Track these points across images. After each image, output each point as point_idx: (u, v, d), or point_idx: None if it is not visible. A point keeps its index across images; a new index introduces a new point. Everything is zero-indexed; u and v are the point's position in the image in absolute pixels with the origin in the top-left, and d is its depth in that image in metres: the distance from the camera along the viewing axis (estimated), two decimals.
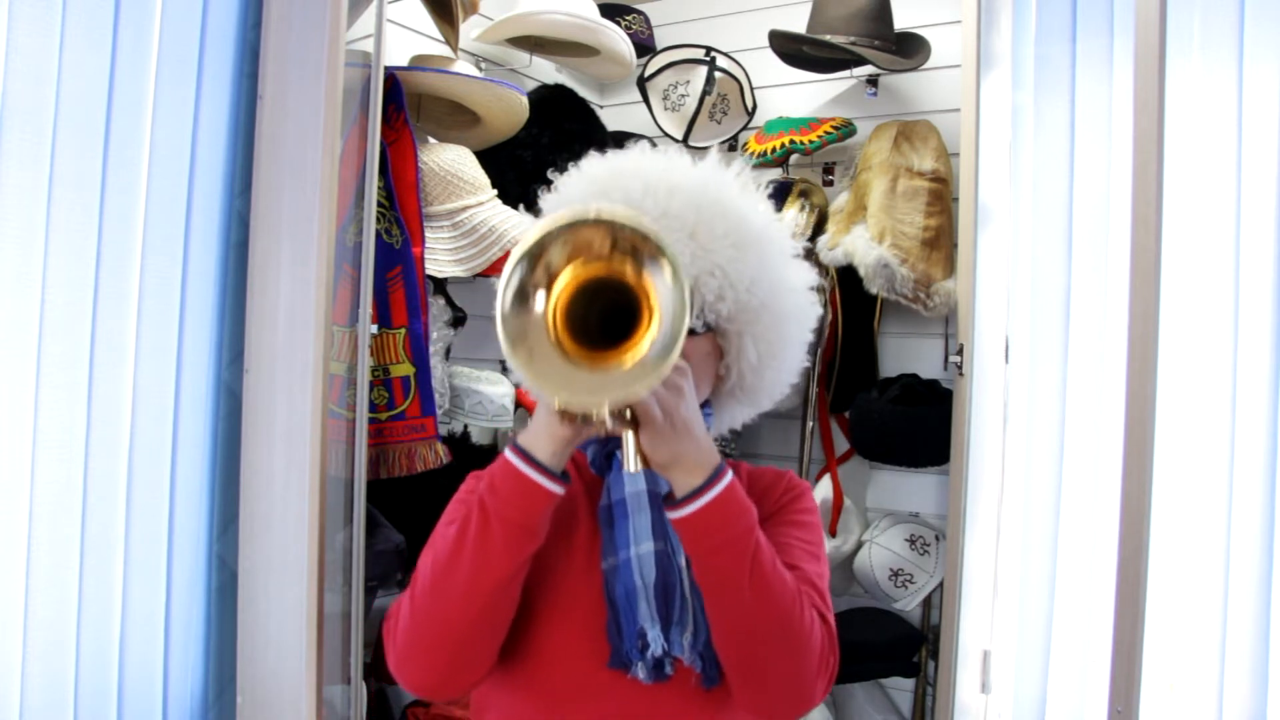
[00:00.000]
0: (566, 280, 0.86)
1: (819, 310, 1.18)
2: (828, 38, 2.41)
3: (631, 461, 0.95)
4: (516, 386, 2.42)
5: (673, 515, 0.98)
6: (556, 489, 0.98)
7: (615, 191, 1.07)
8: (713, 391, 1.16)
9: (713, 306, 1.07)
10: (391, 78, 2.04)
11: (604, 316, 0.88)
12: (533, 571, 1.07)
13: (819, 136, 2.49)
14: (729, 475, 0.99)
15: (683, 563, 1.05)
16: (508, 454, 0.99)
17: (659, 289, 0.85)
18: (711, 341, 1.11)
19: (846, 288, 2.45)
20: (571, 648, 1.07)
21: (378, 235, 1.97)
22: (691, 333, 1.07)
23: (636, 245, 0.85)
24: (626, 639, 1.04)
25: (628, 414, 0.94)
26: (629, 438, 0.95)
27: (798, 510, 1.16)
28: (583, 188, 1.12)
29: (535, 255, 0.85)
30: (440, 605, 1.00)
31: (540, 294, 0.85)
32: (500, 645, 1.05)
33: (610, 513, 1.08)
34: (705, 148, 2.67)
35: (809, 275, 1.16)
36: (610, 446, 1.12)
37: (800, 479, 1.21)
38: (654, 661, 1.04)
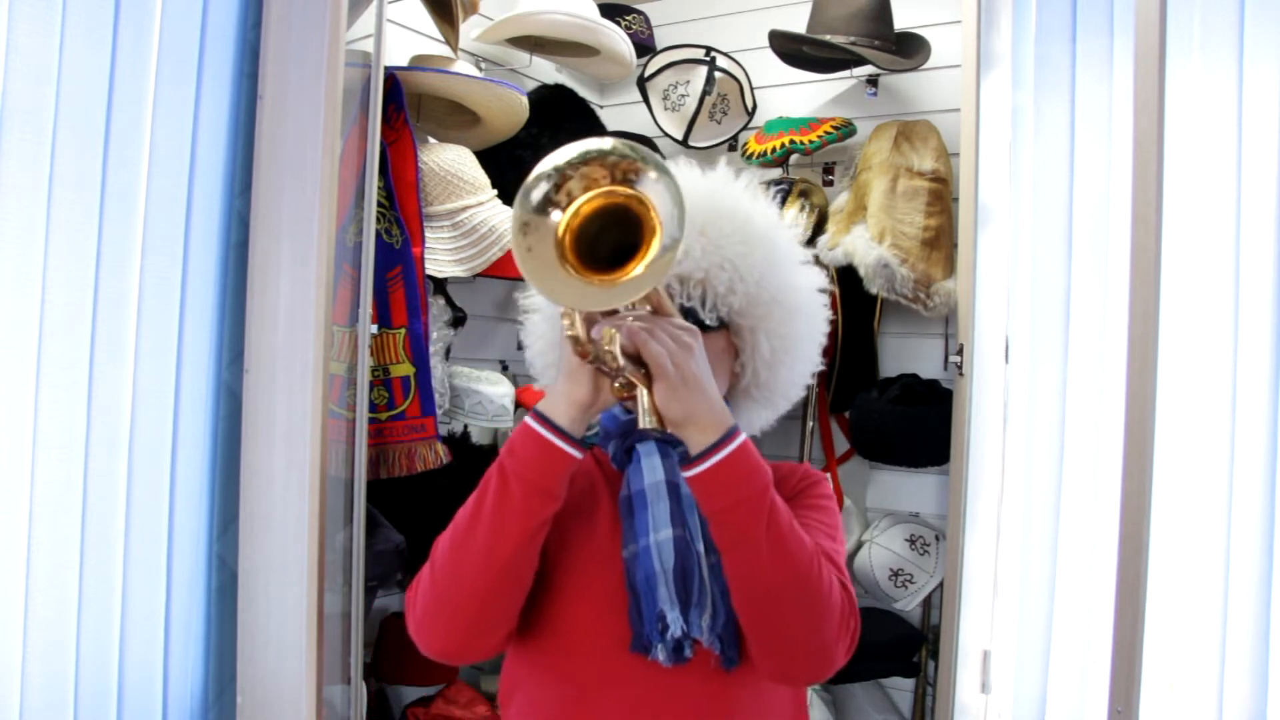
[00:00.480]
0: (579, 206, 0.90)
1: (828, 313, 1.21)
2: (828, 38, 2.41)
3: (645, 419, 0.98)
4: (516, 386, 2.42)
5: (688, 473, 1.00)
6: (574, 453, 1.01)
7: None
8: (730, 390, 1.18)
9: (724, 299, 1.11)
10: (391, 78, 2.04)
11: (613, 248, 0.91)
12: (556, 560, 1.11)
13: (819, 136, 2.49)
14: (743, 436, 1.01)
15: (701, 548, 1.07)
16: (528, 419, 1.02)
17: (654, 198, 0.89)
18: (725, 338, 1.14)
19: (846, 288, 2.45)
20: (595, 634, 1.09)
21: (378, 235, 1.97)
22: (706, 328, 1.11)
23: (627, 170, 0.90)
24: (647, 622, 1.06)
25: (641, 370, 0.97)
26: (643, 395, 0.98)
27: (815, 495, 1.19)
28: None
29: (559, 178, 0.89)
30: (460, 568, 1.03)
31: (556, 212, 0.89)
32: (517, 612, 1.07)
33: (630, 503, 1.11)
34: (711, 147, 2.69)
35: (818, 278, 1.20)
36: (630, 441, 1.14)
37: (816, 470, 1.24)
38: (674, 643, 1.06)
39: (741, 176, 1.19)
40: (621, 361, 0.96)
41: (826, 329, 1.22)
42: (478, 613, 1.05)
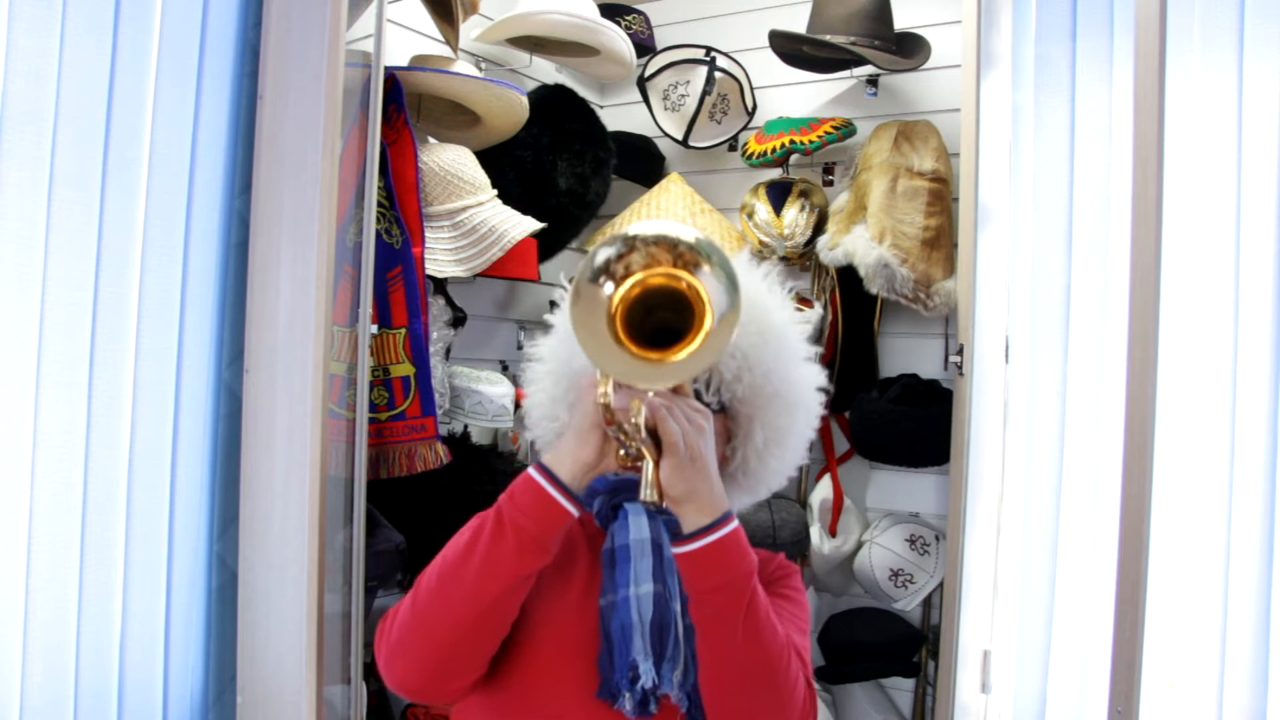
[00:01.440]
0: (635, 282, 0.92)
1: (821, 412, 1.23)
2: (828, 38, 2.41)
3: (647, 491, 1.01)
4: (516, 386, 2.42)
5: (679, 550, 1.03)
6: (573, 510, 1.04)
7: None
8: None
9: (729, 386, 1.14)
10: (391, 78, 2.04)
11: (658, 327, 0.94)
12: (530, 606, 1.12)
13: (819, 136, 2.49)
14: (735, 521, 1.04)
15: (678, 608, 1.10)
16: (531, 470, 1.05)
17: (709, 288, 0.92)
18: (722, 422, 1.16)
19: (846, 288, 2.45)
20: (560, 676, 1.11)
21: (378, 235, 1.97)
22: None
23: (689, 262, 0.92)
24: (618, 670, 1.08)
25: (653, 442, 1.00)
26: (648, 467, 1.01)
27: (788, 587, 1.22)
28: None
29: (625, 246, 0.92)
30: (443, 604, 1.04)
31: (609, 284, 0.92)
32: (486, 662, 1.09)
33: (614, 555, 1.14)
34: (711, 147, 2.68)
35: (819, 376, 1.22)
36: (618, 499, 1.18)
37: (790, 562, 1.27)
38: (641, 694, 1.07)
39: (761, 266, 1.22)
40: (643, 434, 0.99)
41: (818, 425, 1.23)
42: (452, 652, 1.06)
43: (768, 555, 1.25)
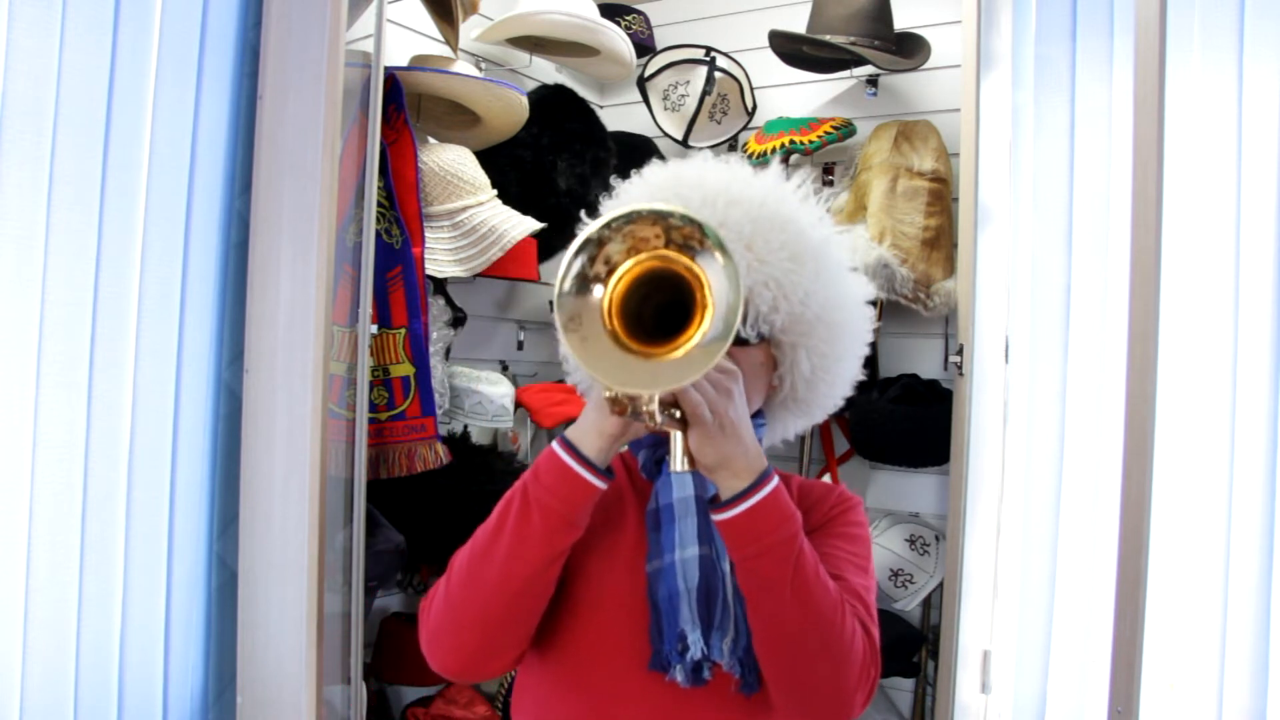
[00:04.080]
0: (623, 273, 0.87)
1: (872, 323, 1.18)
2: (828, 38, 2.41)
3: (679, 461, 0.97)
4: (516, 386, 2.42)
5: (717, 518, 0.99)
6: (599, 484, 1.00)
7: (674, 200, 1.06)
8: (765, 402, 1.16)
9: (766, 318, 1.07)
10: (391, 78, 2.04)
11: (659, 311, 0.89)
12: (578, 569, 1.09)
13: (819, 136, 2.49)
14: (774, 480, 0.99)
15: (727, 568, 1.05)
16: (555, 446, 1.01)
17: (713, 280, 0.86)
18: (765, 352, 1.12)
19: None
20: (612, 647, 1.08)
21: (378, 235, 1.97)
22: (745, 343, 1.09)
23: (689, 237, 0.86)
24: (667, 641, 1.05)
25: (677, 413, 0.95)
26: (677, 437, 0.96)
27: (848, 523, 1.17)
28: (642, 194, 1.12)
29: (596, 244, 0.86)
30: (474, 588, 1.02)
31: (598, 285, 0.87)
32: (530, 635, 1.06)
33: (658, 516, 1.09)
34: (711, 147, 2.68)
35: (865, 289, 1.17)
36: (661, 452, 1.12)
37: (852, 494, 1.21)
38: (693, 665, 1.04)
39: (794, 178, 1.14)
40: (659, 419, 0.94)
41: (869, 339, 1.18)
42: (489, 634, 1.03)
43: (826, 489, 1.20)
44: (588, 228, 0.86)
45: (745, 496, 0.97)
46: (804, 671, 1.00)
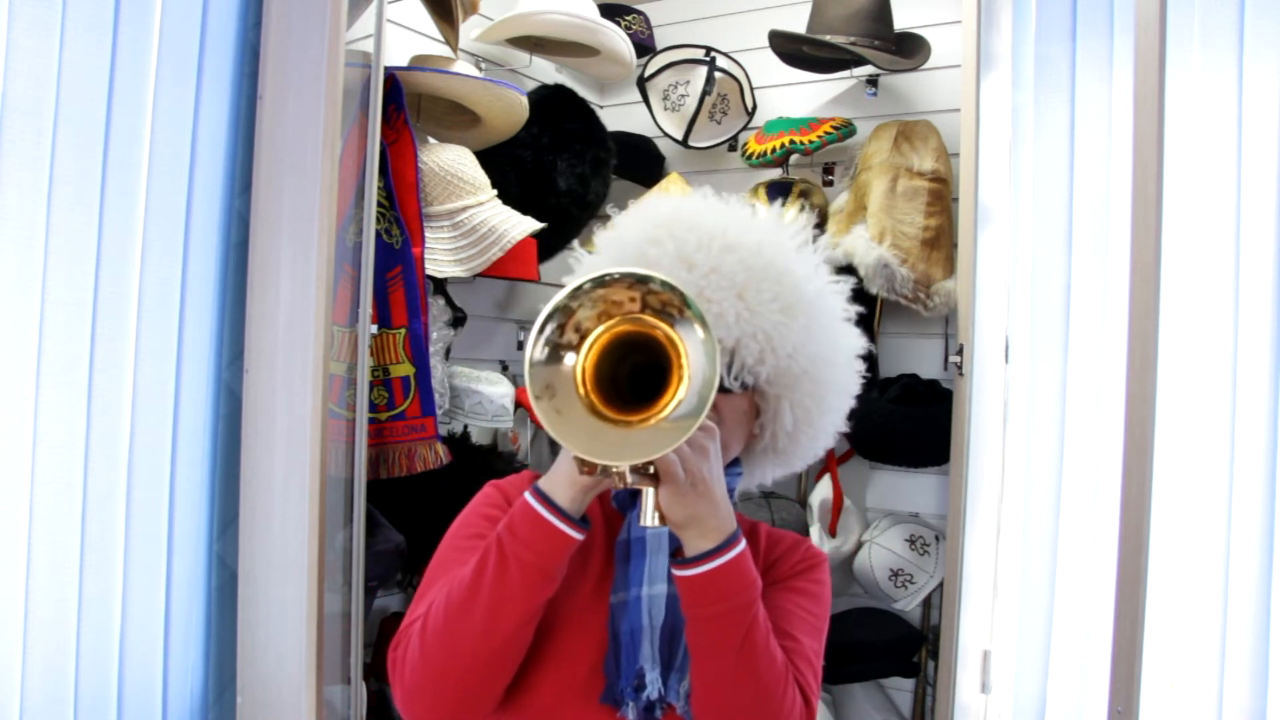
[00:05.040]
0: (596, 338, 0.86)
1: (861, 379, 1.17)
2: (828, 38, 2.41)
3: (648, 516, 0.96)
4: (516, 386, 2.42)
5: (678, 574, 0.98)
6: (576, 535, 0.98)
7: (668, 241, 1.05)
8: (745, 449, 1.15)
9: (752, 369, 1.05)
10: (391, 78, 2.04)
11: (634, 375, 0.89)
12: None
13: (819, 136, 2.49)
14: (741, 544, 0.98)
15: None
16: (528, 497, 0.99)
17: (689, 348, 0.85)
18: (749, 400, 1.10)
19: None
20: (566, 675, 1.06)
21: (378, 235, 1.97)
22: (728, 391, 1.06)
23: (666, 303, 0.85)
24: (624, 676, 1.04)
25: (650, 469, 0.94)
26: (648, 493, 0.95)
27: (810, 580, 1.15)
28: (638, 231, 1.09)
29: (566, 311, 0.85)
30: (453, 645, 1.00)
31: (570, 353, 0.86)
32: (505, 687, 1.04)
33: (628, 548, 1.08)
34: (711, 147, 2.68)
35: (858, 343, 1.15)
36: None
37: (819, 550, 1.20)
38: (646, 704, 1.03)
39: (792, 225, 1.12)
40: (630, 479, 0.92)
41: (857, 391, 1.16)
42: (468, 689, 1.01)
43: (794, 541, 1.18)
44: (556, 295, 0.84)
45: (710, 558, 0.96)
46: None
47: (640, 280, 0.85)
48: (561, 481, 0.98)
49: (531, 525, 0.98)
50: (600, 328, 0.86)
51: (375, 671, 2.21)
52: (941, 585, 2.34)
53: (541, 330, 0.85)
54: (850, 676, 2.42)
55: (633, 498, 1.11)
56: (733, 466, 1.13)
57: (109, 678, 1.66)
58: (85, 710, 1.62)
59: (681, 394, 0.85)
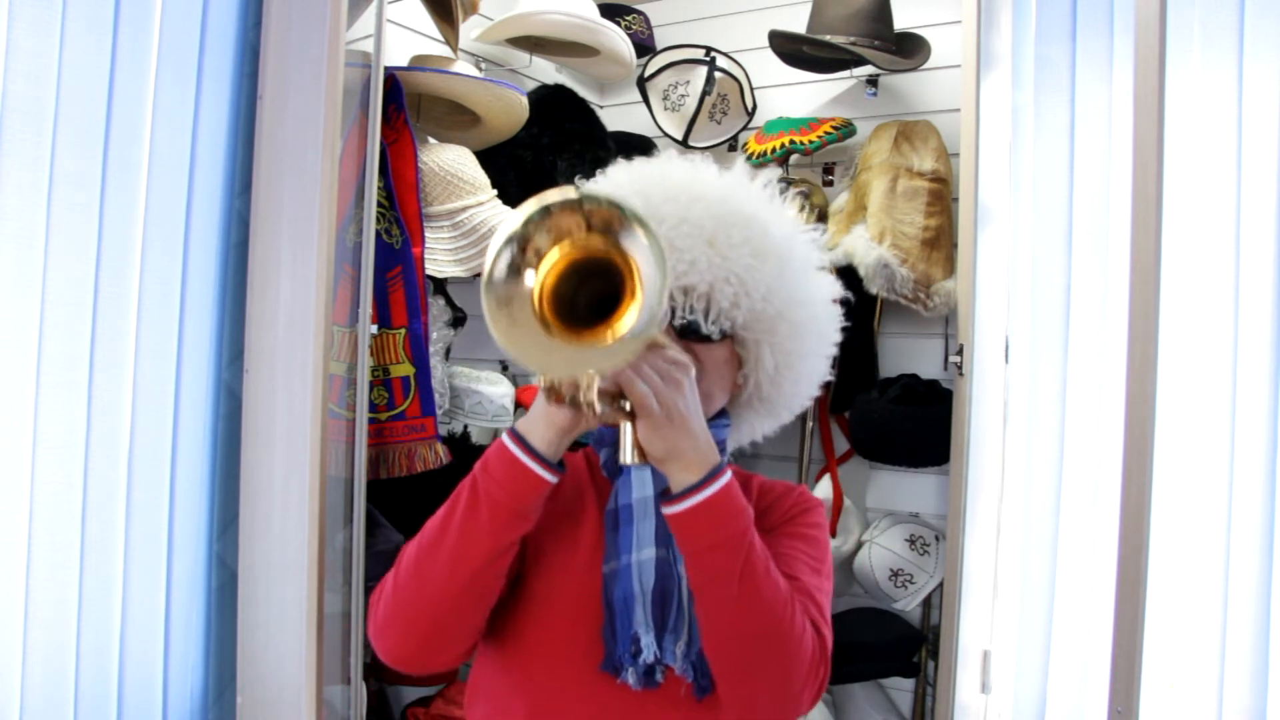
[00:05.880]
0: (554, 263, 0.86)
1: (840, 323, 1.18)
2: (828, 38, 2.41)
3: (628, 453, 0.96)
4: (516, 386, 2.42)
5: (667, 511, 0.98)
6: (549, 477, 0.99)
7: (635, 198, 1.05)
8: (731, 401, 1.16)
9: (728, 314, 1.07)
10: (391, 78, 2.04)
11: (592, 302, 0.88)
12: (535, 568, 1.09)
13: (819, 136, 2.49)
14: (727, 475, 0.98)
15: (683, 571, 1.05)
16: (504, 438, 1.00)
17: (640, 263, 0.85)
18: (729, 349, 1.11)
19: (846, 288, 2.45)
20: (565, 647, 1.07)
21: (378, 235, 1.97)
22: (708, 339, 1.08)
23: (609, 220, 0.85)
24: (620, 643, 1.04)
25: (626, 405, 0.94)
26: (626, 429, 0.96)
27: (805, 524, 1.15)
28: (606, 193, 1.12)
29: (522, 239, 0.85)
30: (422, 579, 1.01)
31: (529, 270, 0.85)
32: (479, 628, 1.05)
33: (616, 516, 1.09)
34: (711, 147, 2.68)
35: (832, 288, 1.16)
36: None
37: (812, 495, 1.20)
38: (645, 668, 1.04)
39: (759, 178, 1.15)
40: (599, 409, 0.93)
41: (837, 339, 1.17)
42: (436, 625, 1.02)
43: (786, 489, 1.19)
44: (507, 223, 0.84)
45: (696, 490, 0.96)
46: (751, 667, 1.00)
47: (579, 202, 0.85)
48: (538, 423, 0.99)
49: (505, 465, 0.98)
50: (555, 250, 0.85)
51: (375, 671, 2.21)
52: (941, 585, 2.34)
53: (499, 254, 0.84)
54: (850, 676, 2.42)
55: (619, 464, 1.11)
56: (719, 418, 1.13)
57: (109, 678, 1.66)
58: (85, 710, 1.62)
59: (637, 304, 0.85)
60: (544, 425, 0.98)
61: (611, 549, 1.08)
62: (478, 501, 0.99)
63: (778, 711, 1.02)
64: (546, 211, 0.84)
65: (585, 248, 0.86)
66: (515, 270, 0.85)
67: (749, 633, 0.98)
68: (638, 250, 0.85)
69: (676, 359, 0.97)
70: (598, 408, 0.93)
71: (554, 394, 0.93)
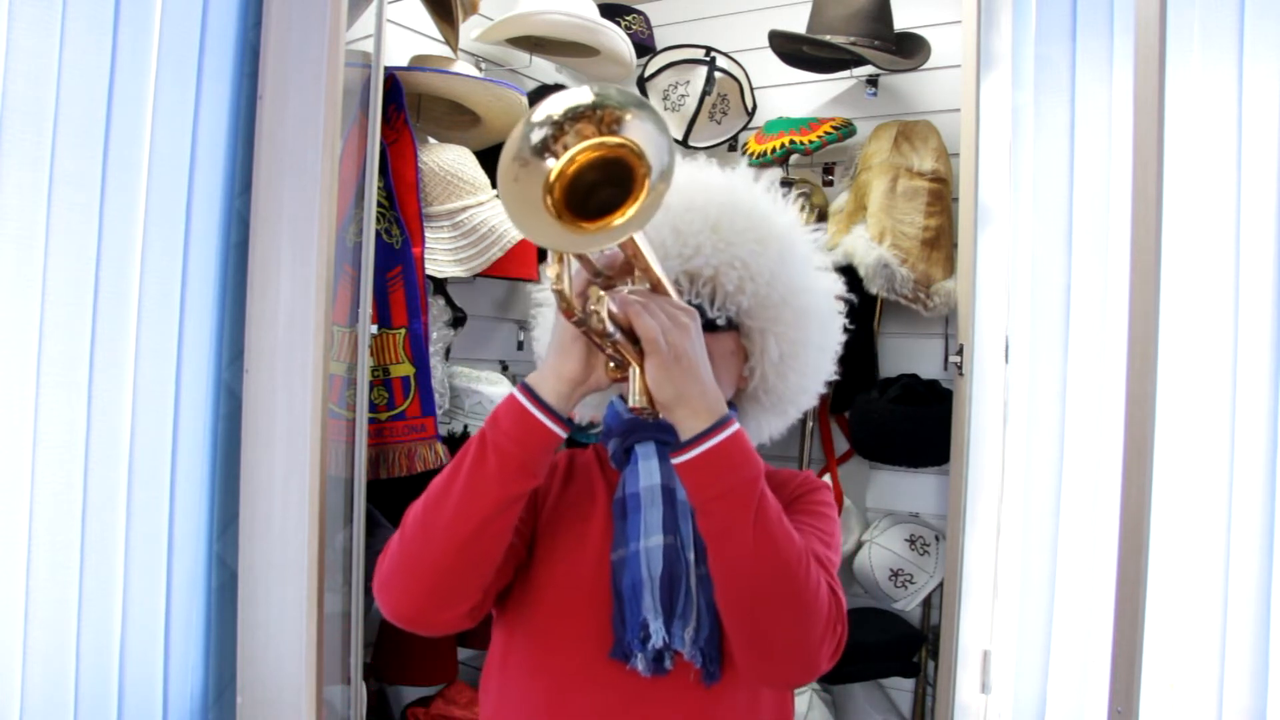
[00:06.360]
0: (574, 155, 0.86)
1: (842, 319, 1.19)
2: (828, 38, 2.41)
3: (635, 397, 0.96)
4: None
5: (676, 460, 0.97)
6: (557, 430, 0.99)
7: None
8: (737, 394, 1.17)
9: (733, 298, 1.10)
10: (391, 78, 2.04)
11: (602, 205, 0.88)
12: (546, 556, 1.10)
13: (819, 136, 2.49)
14: (735, 426, 0.98)
15: (691, 557, 1.06)
16: (515, 391, 1.00)
17: (649, 149, 0.85)
18: (734, 340, 1.13)
19: (846, 288, 2.45)
20: (575, 634, 1.09)
21: (378, 235, 1.97)
22: (715, 328, 1.10)
23: (617, 118, 0.86)
24: (629, 629, 1.05)
25: (634, 341, 0.94)
26: (635, 373, 0.96)
27: (814, 501, 1.16)
28: None
29: (558, 127, 0.85)
30: (427, 532, 1.01)
31: (551, 157, 0.86)
32: (483, 587, 1.04)
33: (624, 505, 1.09)
34: (711, 147, 2.68)
35: (834, 284, 1.18)
36: (630, 441, 1.12)
37: (818, 479, 1.22)
38: (654, 654, 1.05)
39: (763, 178, 1.18)
40: (609, 326, 0.92)
41: (841, 337, 1.19)
42: (439, 580, 1.01)
43: (792, 473, 1.20)
44: (545, 108, 0.85)
45: (705, 437, 0.96)
46: (767, 621, 0.98)
47: (593, 106, 0.85)
48: (547, 375, 1.00)
49: (514, 418, 0.99)
50: (578, 145, 0.86)
51: (375, 671, 2.21)
52: (941, 585, 2.34)
53: (530, 131, 0.85)
54: (850, 676, 2.42)
55: (628, 455, 1.11)
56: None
57: (109, 678, 1.67)
58: (85, 710, 1.62)
59: (638, 205, 0.84)
60: (553, 377, 0.99)
61: (620, 536, 1.08)
62: (485, 453, 0.99)
63: (796, 665, 1.02)
64: (574, 115, 0.85)
65: (601, 147, 0.86)
66: (542, 149, 0.85)
67: (765, 582, 0.97)
68: (645, 135, 0.85)
69: (682, 305, 0.98)
70: (609, 325, 0.92)
71: (563, 300, 0.91)
